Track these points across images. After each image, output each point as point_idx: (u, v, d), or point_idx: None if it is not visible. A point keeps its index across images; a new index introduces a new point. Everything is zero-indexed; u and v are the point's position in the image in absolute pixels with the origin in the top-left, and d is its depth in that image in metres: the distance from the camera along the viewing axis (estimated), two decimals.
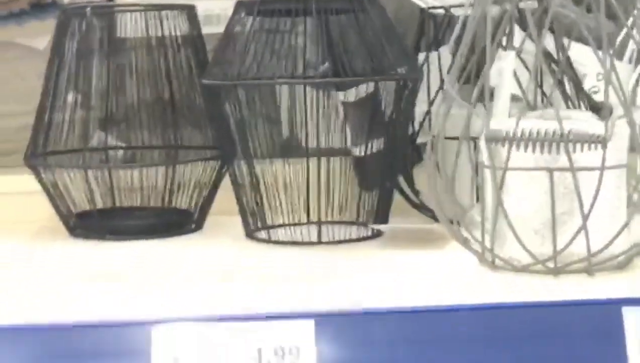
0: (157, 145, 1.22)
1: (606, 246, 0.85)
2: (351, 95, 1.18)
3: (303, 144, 1.13)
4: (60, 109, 1.18)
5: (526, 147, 0.83)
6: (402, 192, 1.20)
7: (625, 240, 0.88)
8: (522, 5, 0.93)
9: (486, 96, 0.86)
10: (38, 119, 1.16)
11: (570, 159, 0.82)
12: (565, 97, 0.97)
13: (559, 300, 0.81)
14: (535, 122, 0.85)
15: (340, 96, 1.19)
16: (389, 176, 1.14)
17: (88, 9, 1.16)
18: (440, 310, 0.81)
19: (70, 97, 1.21)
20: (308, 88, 1.12)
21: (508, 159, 0.85)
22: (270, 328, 0.78)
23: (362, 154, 1.15)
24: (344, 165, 1.15)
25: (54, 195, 1.14)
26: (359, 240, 1.07)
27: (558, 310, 0.81)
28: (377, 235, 1.09)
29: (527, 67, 1.09)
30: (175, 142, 1.21)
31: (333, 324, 0.78)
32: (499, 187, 0.86)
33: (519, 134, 0.83)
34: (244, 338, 0.78)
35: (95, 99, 1.20)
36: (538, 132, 0.83)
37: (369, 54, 1.10)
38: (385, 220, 1.12)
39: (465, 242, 0.92)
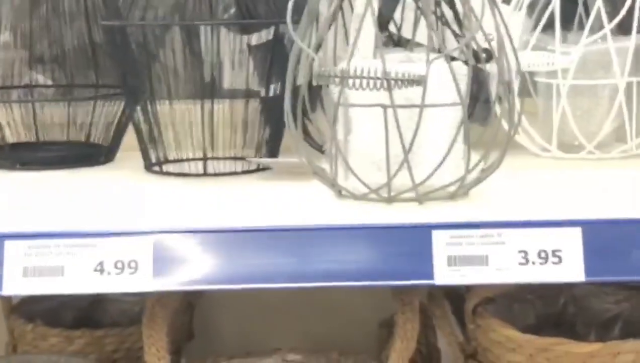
0: (78, 83, 1.31)
1: (428, 178, 0.92)
2: (255, 39, 1.26)
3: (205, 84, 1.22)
4: None
5: (355, 85, 0.90)
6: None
7: (456, 173, 0.95)
8: None
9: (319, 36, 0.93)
10: None
11: (391, 96, 0.90)
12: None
13: (380, 223, 0.89)
14: (366, 63, 0.92)
15: (246, 39, 1.27)
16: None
17: None
18: (289, 229, 0.90)
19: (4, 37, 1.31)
20: (216, 31, 1.20)
21: (340, 96, 0.92)
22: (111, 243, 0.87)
23: (267, 95, 1.23)
24: (249, 105, 1.23)
25: None
26: (243, 173, 1.16)
27: (380, 231, 0.89)
28: (263, 169, 1.18)
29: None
30: (97, 81, 1.31)
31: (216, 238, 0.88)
32: (333, 122, 0.93)
33: (351, 74, 0.90)
34: (89, 251, 0.87)
35: (20, 38, 1.30)
36: (368, 72, 0.90)
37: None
38: (276, 154, 1.21)
39: (318, 175, 0.99)
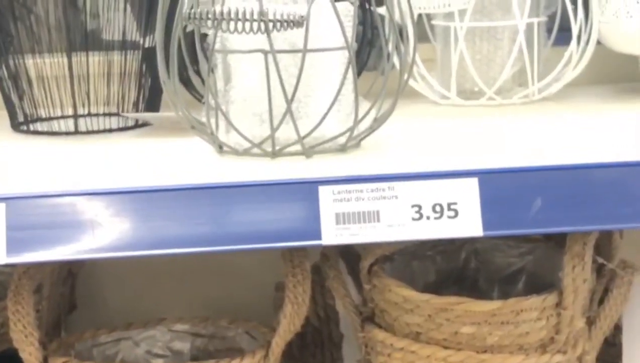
0: None
1: (313, 129, 0.85)
2: None
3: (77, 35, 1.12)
4: None
5: (229, 28, 0.82)
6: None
7: (347, 123, 0.88)
8: None
9: None
10: None
11: (270, 40, 0.82)
12: None
13: (261, 181, 0.81)
14: (245, 3, 0.83)
15: None
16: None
17: None
18: (165, 190, 0.82)
19: None
20: None
21: (215, 40, 0.84)
22: None
23: (147, 45, 1.14)
24: (127, 56, 1.14)
25: None
26: (120, 130, 1.07)
27: (262, 189, 0.81)
28: (142, 125, 1.09)
29: None
30: None
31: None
32: (209, 70, 0.85)
33: (223, 14, 0.81)
34: None
35: None
36: (244, 13, 0.82)
37: None
38: (156, 109, 1.12)
39: (197, 130, 0.91)
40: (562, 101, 1.14)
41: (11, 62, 1.07)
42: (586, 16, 1.12)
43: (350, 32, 0.87)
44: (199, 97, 1.12)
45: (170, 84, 0.89)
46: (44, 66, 1.11)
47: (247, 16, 0.81)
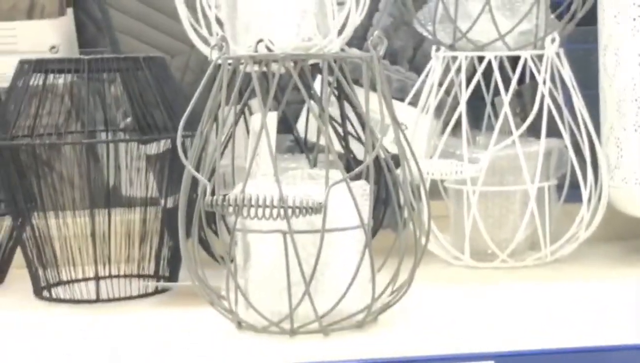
0: None
1: (331, 309, 0.87)
2: (153, 148, 1.19)
3: (104, 195, 1.15)
4: None
5: (250, 214, 0.84)
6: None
7: (363, 299, 0.90)
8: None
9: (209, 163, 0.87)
10: None
11: (289, 224, 0.84)
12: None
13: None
14: (264, 187, 0.86)
15: (144, 149, 1.20)
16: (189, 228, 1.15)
17: None
18: None
19: None
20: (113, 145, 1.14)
21: (236, 222, 0.86)
22: None
23: (168, 206, 1.16)
24: (147, 216, 1.16)
25: None
26: (138, 297, 1.08)
27: None
28: (162, 291, 1.11)
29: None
30: None
31: None
32: (230, 248, 0.87)
33: (244, 201, 0.84)
34: None
35: None
36: (264, 200, 0.84)
37: (162, 109, 1.12)
38: (177, 271, 1.13)
39: (216, 305, 0.93)
40: (574, 262, 1.15)
41: (35, 223, 1.10)
42: (596, 178, 1.15)
43: (366, 212, 0.89)
44: (217, 259, 1.14)
45: (188, 256, 0.91)
46: (65, 226, 1.13)
47: (267, 203, 0.83)
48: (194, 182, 1.08)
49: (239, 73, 0.90)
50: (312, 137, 1.23)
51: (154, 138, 1.13)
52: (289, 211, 0.83)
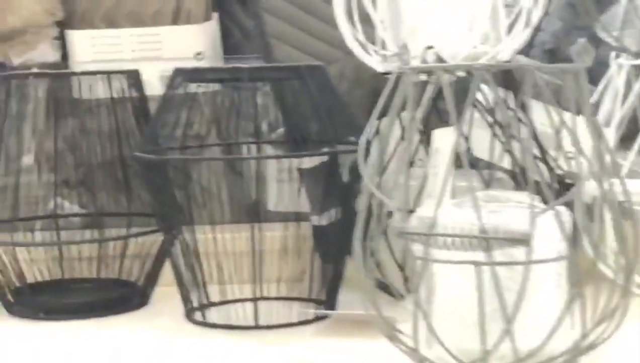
0: (108, 212, 1.16)
1: (538, 349, 0.77)
2: (307, 161, 1.11)
3: (254, 211, 1.08)
4: (6, 175, 1.13)
5: (444, 245, 0.75)
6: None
7: (566, 338, 0.80)
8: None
9: (407, 190, 0.79)
10: None
11: (490, 256, 0.75)
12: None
13: None
14: (457, 217, 0.77)
15: (296, 162, 1.13)
16: (344, 248, 1.07)
17: (31, 73, 1.12)
18: None
19: (27, 161, 1.17)
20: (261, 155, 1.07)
21: (427, 253, 0.77)
22: None
23: (321, 223, 1.09)
24: (298, 234, 1.09)
25: None
26: (299, 324, 1.00)
27: None
28: (321, 318, 1.02)
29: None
30: (129, 208, 1.16)
31: None
32: (415, 282, 0.78)
33: (438, 230, 0.75)
34: None
35: (47, 162, 1.15)
36: (458, 228, 0.75)
37: (320, 121, 1.04)
38: (335, 295, 1.05)
39: (393, 340, 0.84)
40: None
41: (187, 239, 1.03)
42: None
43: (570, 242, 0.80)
44: (390, 292, 1.04)
45: (369, 284, 0.82)
46: (220, 241, 1.06)
47: (466, 233, 0.74)
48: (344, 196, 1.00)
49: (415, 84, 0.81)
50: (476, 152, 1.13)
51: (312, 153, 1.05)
52: (491, 242, 0.74)
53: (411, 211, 0.80)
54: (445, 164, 0.83)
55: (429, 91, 0.80)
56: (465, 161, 0.79)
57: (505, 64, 0.98)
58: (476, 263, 0.78)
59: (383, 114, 1.08)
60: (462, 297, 0.80)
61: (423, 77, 0.86)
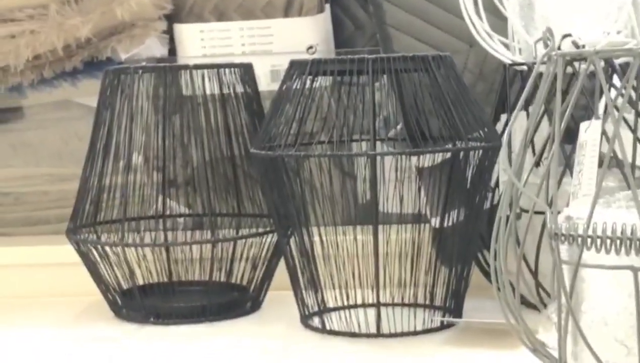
0: (220, 212, 1.11)
1: None
2: (426, 159, 1.05)
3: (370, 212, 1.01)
4: (113, 174, 1.08)
5: (600, 247, 0.68)
6: (483, 269, 1.07)
7: None
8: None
9: (552, 188, 0.71)
10: (83, 187, 1.07)
11: None
12: None
13: None
14: (614, 216, 0.69)
15: (415, 160, 1.06)
16: (470, 252, 1.00)
17: (139, 68, 1.07)
18: None
19: (135, 159, 1.12)
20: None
21: (580, 256, 0.70)
22: None
23: (441, 225, 1.02)
24: (419, 236, 1.02)
25: (94, 272, 1.05)
26: (423, 332, 0.94)
27: None
28: (448, 326, 0.96)
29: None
30: (238, 208, 1.11)
31: None
32: (559, 289, 0.71)
33: (592, 232, 0.68)
34: None
35: (155, 160, 1.11)
36: (617, 229, 0.68)
37: (444, 115, 0.97)
38: (460, 302, 0.98)
39: (536, 352, 0.77)
40: None
41: (306, 241, 0.97)
42: None
43: None
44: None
45: (511, 302, 0.75)
46: (343, 244, 1.01)
47: (619, 235, 0.67)
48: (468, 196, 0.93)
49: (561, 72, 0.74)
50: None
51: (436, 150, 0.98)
52: None
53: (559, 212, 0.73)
54: (593, 159, 0.76)
55: (581, 80, 0.72)
56: (619, 156, 0.71)
57: None
58: (634, 269, 0.70)
59: (513, 107, 1.03)
60: (614, 307, 0.73)
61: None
